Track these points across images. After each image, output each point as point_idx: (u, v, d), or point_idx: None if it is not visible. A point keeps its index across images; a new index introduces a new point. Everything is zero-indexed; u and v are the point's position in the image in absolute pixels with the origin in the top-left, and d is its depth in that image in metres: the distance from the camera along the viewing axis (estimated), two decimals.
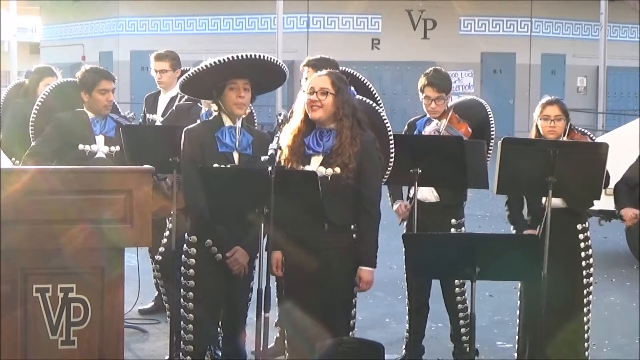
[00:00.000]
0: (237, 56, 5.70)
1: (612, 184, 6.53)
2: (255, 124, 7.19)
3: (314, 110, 5.57)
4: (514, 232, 6.59)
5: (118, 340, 4.81)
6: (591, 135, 6.85)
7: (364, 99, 6.27)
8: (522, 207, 6.69)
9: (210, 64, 5.68)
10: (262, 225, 5.23)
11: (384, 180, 6.14)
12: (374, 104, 6.31)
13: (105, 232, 4.70)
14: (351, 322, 5.75)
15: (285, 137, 5.62)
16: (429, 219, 6.78)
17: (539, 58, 29.71)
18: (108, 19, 31.53)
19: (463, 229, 7.03)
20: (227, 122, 5.80)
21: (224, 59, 5.67)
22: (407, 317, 7.17)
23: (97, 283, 4.73)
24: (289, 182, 5.25)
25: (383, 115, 6.13)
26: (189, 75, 5.79)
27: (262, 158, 5.17)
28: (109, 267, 4.75)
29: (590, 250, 6.52)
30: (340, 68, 6.59)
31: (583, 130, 6.75)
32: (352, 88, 5.96)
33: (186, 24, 30.24)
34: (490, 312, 8.62)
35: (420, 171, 6.53)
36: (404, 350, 7.19)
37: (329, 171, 5.52)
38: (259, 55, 5.73)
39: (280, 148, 5.47)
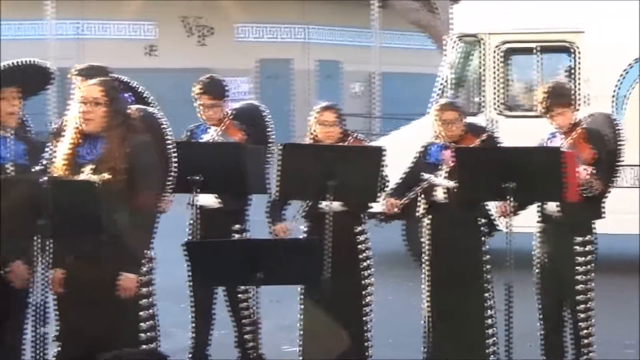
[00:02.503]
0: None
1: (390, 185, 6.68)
2: (31, 132, 6.96)
3: (86, 122, 5.43)
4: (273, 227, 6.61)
5: None
6: (366, 140, 7.00)
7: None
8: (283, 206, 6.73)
9: None
10: (40, 237, 5.07)
11: (171, 189, 5.95)
12: (157, 112, 6.20)
13: None
14: (142, 328, 5.57)
15: (62, 151, 5.44)
16: (211, 226, 6.76)
17: (314, 64, 30.16)
18: None
19: (246, 234, 7.03)
20: None
21: None
22: (192, 325, 7.12)
23: None
24: (64, 192, 5.12)
25: (162, 122, 6.00)
26: None
27: (36, 168, 5.03)
28: None
29: (369, 252, 6.65)
30: (113, 76, 6.44)
31: (358, 135, 6.86)
32: (129, 94, 5.85)
33: None
34: (275, 317, 8.65)
35: (200, 178, 6.50)
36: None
37: (98, 177, 5.35)
38: (24, 61, 5.59)
39: (54, 157, 5.32)
